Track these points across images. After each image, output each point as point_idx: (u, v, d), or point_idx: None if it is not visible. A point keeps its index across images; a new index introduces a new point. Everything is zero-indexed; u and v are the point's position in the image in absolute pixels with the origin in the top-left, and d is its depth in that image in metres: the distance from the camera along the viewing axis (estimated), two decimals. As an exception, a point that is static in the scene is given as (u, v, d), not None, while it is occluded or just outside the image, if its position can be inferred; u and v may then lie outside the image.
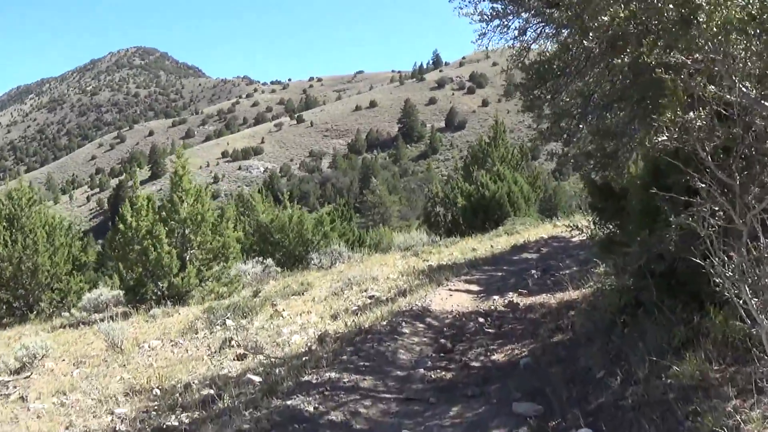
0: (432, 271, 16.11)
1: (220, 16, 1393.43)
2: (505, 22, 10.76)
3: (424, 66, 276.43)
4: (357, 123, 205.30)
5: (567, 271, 14.16)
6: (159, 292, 19.84)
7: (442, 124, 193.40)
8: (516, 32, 10.87)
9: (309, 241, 26.62)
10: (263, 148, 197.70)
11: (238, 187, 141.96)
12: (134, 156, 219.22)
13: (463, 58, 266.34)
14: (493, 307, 11.70)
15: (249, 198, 33.57)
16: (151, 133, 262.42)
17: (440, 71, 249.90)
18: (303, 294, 16.83)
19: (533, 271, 14.77)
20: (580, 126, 10.02)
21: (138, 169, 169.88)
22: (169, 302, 19.20)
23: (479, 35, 10.87)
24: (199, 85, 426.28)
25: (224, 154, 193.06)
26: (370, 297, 14.38)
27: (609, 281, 9.84)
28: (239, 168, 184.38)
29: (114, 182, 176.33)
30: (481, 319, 10.80)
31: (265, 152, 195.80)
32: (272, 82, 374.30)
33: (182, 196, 21.06)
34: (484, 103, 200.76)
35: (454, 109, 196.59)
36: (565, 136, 10.42)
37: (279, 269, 24.08)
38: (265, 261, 24.13)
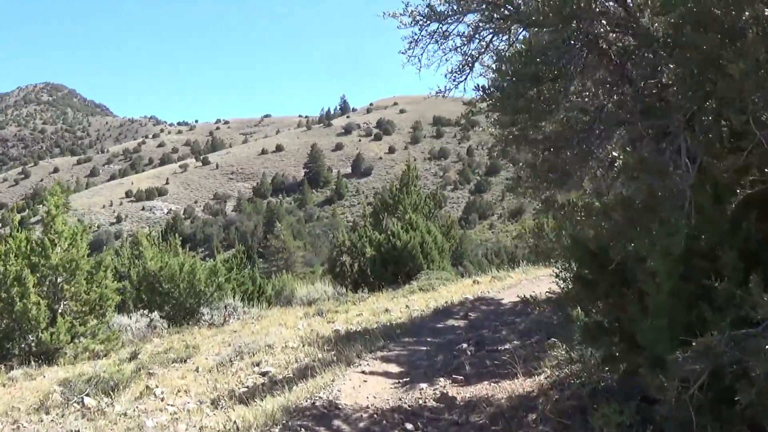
0: (339, 340, 13.27)
1: (129, 55, 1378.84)
2: (444, 28, 8.10)
3: (332, 111, 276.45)
4: (263, 166, 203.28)
5: (507, 346, 11.44)
6: (27, 348, 16.95)
7: (349, 170, 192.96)
8: (459, 40, 8.18)
9: (201, 292, 23.67)
10: (168, 189, 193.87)
11: (142, 227, 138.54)
12: (38, 192, 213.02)
13: (371, 104, 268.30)
14: (421, 402, 8.78)
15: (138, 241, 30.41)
16: (56, 170, 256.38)
17: (347, 117, 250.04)
18: (186, 361, 14.11)
19: (464, 345, 11.91)
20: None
21: (41, 205, 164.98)
22: (36, 361, 16.30)
23: (409, 42, 8.13)
24: (106, 123, 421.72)
25: (128, 194, 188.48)
26: (263, 374, 11.61)
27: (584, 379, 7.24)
28: (143, 208, 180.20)
29: (17, 218, 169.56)
30: (409, 426, 7.86)
31: (170, 193, 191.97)
32: (179, 123, 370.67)
33: (54, 239, 18.09)
34: (391, 150, 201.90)
35: (361, 155, 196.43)
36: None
37: (166, 324, 21.26)
38: (150, 315, 21.22)
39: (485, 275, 24.34)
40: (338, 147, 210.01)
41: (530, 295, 17.37)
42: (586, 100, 6.93)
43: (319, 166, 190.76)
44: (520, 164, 9.29)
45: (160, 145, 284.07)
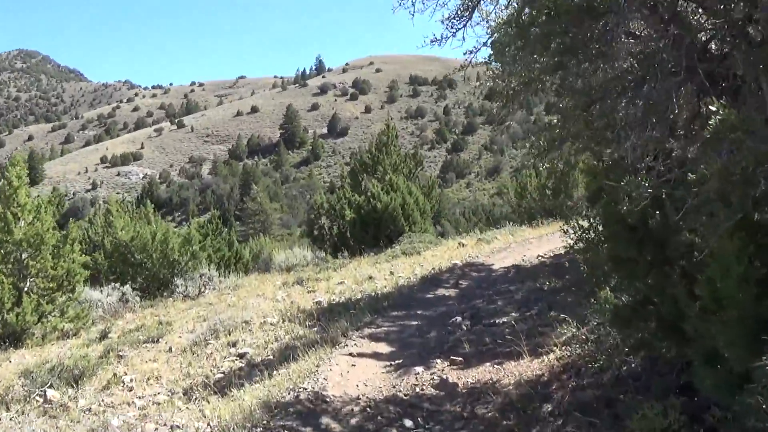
0: (322, 314, 12.28)
1: (103, 19, 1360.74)
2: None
3: (307, 72, 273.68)
4: (238, 129, 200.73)
5: (505, 319, 10.48)
6: (-8, 331, 15.68)
7: (325, 131, 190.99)
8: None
9: (176, 262, 22.59)
10: (143, 153, 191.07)
11: (117, 193, 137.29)
12: (12, 161, 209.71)
13: (347, 64, 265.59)
14: (419, 390, 7.77)
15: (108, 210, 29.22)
16: (30, 138, 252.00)
17: (323, 77, 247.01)
18: (158, 341, 13.10)
19: (459, 319, 10.93)
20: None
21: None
22: (1, 344, 15.30)
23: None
24: (80, 89, 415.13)
25: (103, 160, 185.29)
26: (241, 356, 10.64)
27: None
28: (118, 174, 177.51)
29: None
30: (408, 423, 6.86)
31: (145, 158, 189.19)
32: (153, 87, 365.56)
33: (17, 213, 16.84)
34: (367, 110, 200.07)
35: (337, 115, 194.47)
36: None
37: (139, 297, 20.21)
38: (122, 288, 20.12)
39: (470, 237, 23.37)
40: (314, 107, 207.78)
41: (523, 259, 16.54)
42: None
43: (295, 126, 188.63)
44: (554, 121, 8.13)
45: (135, 110, 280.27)
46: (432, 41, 7.44)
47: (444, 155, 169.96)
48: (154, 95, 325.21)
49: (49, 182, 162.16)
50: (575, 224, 9.54)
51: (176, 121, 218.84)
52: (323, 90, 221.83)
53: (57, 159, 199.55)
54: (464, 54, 7.95)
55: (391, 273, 17.02)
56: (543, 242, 19.07)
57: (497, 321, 10.50)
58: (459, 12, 7.22)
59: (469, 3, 7.16)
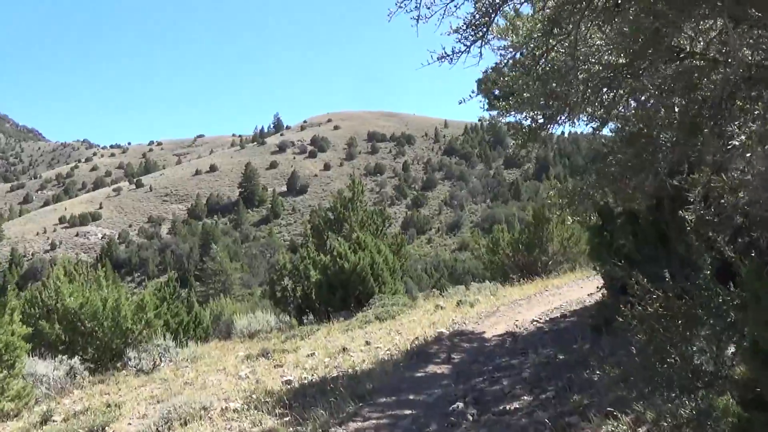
0: (294, 399, 10.29)
1: (61, 79, 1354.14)
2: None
3: (266, 129, 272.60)
4: (197, 187, 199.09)
5: (517, 404, 8.59)
6: None
7: (284, 189, 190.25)
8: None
9: (129, 330, 20.51)
10: (101, 213, 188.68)
11: (76, 254, 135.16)
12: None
13: (305, 121, 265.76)
14: None
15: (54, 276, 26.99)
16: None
17: (281, 135, 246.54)
18: (104, 430, 10.99)
19: (460, 405, 8.94)
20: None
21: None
22: None
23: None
24: (39, 148, 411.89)
25: (62, 220, 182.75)
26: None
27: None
28: (77, 234, 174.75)
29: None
30: None
31: (104, 218, 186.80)
32: (112, 146, 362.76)
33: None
34: (326, 167, 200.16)
35: (296, 172, 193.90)
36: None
37: (89, 371, 18.11)
38: (70, 361, 18.00)
39: (447, 299, 21.63)
40: (273, 165, 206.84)
41: (517, 325, 14.72)
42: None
43: (254, 185, 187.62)
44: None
45: (93, 169, 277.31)
46: (440, 57, 5.68)
47: (404, 211, 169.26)
48: (112, 154, 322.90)
49: (8, 243, 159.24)
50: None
51: (135, 180, 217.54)
52: (282, 148, 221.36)
53: (16, 219, 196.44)
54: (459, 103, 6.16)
55: (367, 343, 15.09)
56: (533, 304, 17.34)
57: (508, 407, 8.60)
58: (475, 20, 5.46)
59: (490, 8, 5.40)
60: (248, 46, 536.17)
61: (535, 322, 14.52)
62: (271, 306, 28.56)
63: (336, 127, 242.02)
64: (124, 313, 20.74)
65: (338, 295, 24.31)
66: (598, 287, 16.97)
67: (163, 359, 18.48)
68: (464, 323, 15.58)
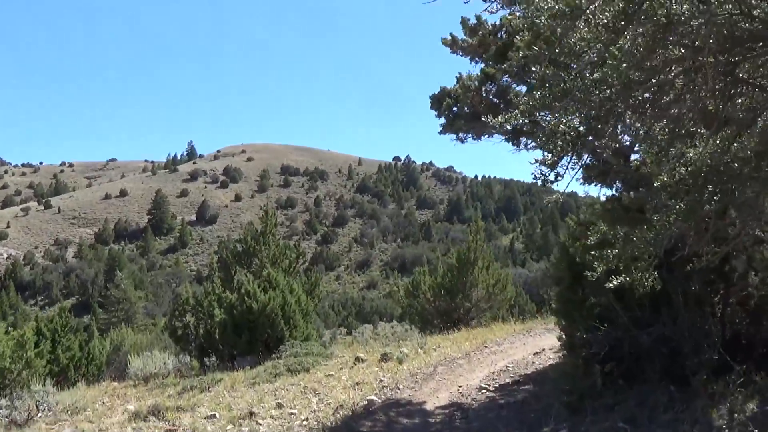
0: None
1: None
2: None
3: (179, 157, 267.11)
4: (106, 212, 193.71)
5: None
6: None
7: (194, 218, 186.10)
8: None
9: (6, 371, 17.59)
10: (8, 233, 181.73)
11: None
12: None
13: (219, 151, 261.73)
14: None
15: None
16: None
17: (194, 163, 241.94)
18: None
19: None
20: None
21: None
22: None
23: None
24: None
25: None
26: None
27: None
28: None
29: None
30: None
31: (10, 237, 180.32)
32: (23, 165, 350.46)
33: None
34: (237, 198, 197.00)
35: (207, 202, 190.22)
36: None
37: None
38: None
39: (367, 350, 18.96)
40: (183, 193, 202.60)
41: (461, 392, 12.16)
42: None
43: (163, 212, 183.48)
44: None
45: (3, 187, 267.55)
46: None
47: (314, 247, 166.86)
48: (23, 173, 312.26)
49: None
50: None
51: (44, 201, 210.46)
52: (194, 176, 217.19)
53: None
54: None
55: (279, 406, 12.33)
56: (474, 364, 14.77)
57: None
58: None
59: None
60: (163, 72, 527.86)
61: (484, 391, 11.97)
62: (171, 344, 25.96)
63: (249, 159, 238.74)
64: (1, 350, 17.89)
65: (245, 337, 21.50)
66: (544, 348, 14.49)
67: (40, 408, 15.41)
68: (397, 387, 12.86)
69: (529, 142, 11.81)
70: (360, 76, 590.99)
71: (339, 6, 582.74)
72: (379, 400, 11.83)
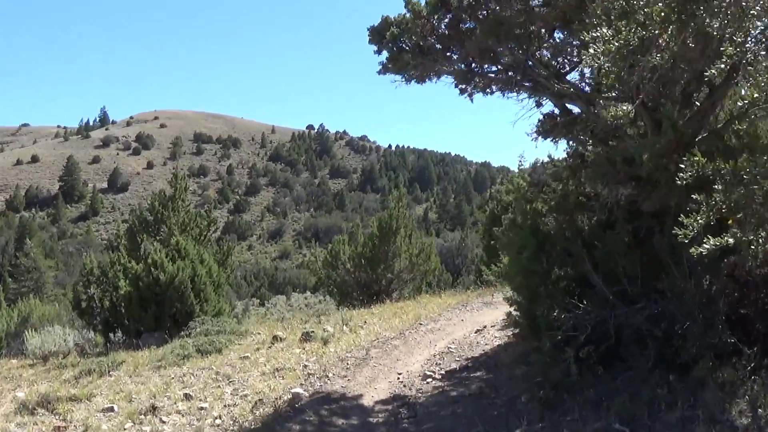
0: None
1: None
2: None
3: (91, 123, 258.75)
4: (17, 178, 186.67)
5: None
6: None
7: (105, 185, 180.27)
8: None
9: None
10: None
11: None
12: None
13: (131, 117, 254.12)
14: None
15: None
16: None
17: (107, 129, 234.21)
18: None
19: None
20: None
21: None
22: None
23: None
24: None
25: None
26: None
27: None
28: None
29: None
30: None
31: None
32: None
33: None
34: (149, 166, 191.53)
35: (119, 169, 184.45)
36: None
37: None
38: None
39: (286, 327, 16.88)
40: (95, 160, 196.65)
41: (402, 381, 10.23)
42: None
43: (75, 179, 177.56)
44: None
45: None
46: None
47: (226, 216, 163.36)
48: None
49: None
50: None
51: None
52: (106, 143, 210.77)
53: None
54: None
55: (188, 397, 10.22)
56: (411, 345, 12.77)
57: None
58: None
59: None
60: (76, 35, 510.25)
61: (429, 379, 10.04)
62: (75, 318, 24.42)
63: (162, 125, 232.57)
64: None
65: (151, 312, 19.38)
66: (486, 325, 12.70)
67: None
68: (326, 376, 10.71)
69: (479, 81, 9.90)
70: (275, 42, 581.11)
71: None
72: (307, 394, 9.73)
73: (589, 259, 8.32)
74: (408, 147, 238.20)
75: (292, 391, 9.74)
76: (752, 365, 6.73)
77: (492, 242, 25.51)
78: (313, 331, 14.46)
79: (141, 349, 16.20)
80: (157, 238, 24.65)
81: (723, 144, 7.34)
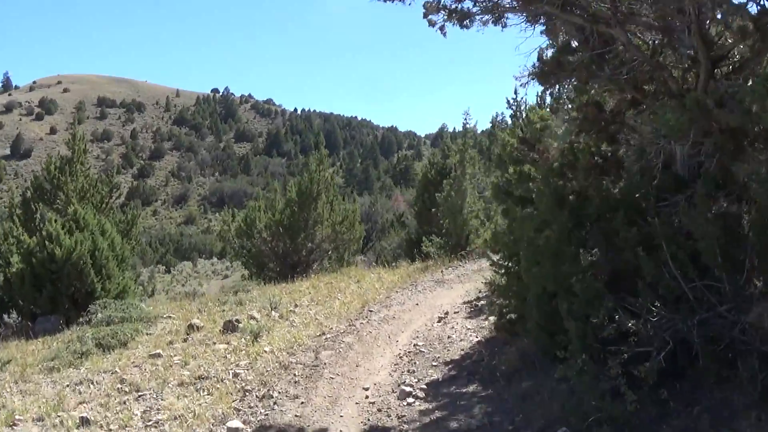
0: None
1: None
2: None
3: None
4: None
5: None
6: None
7: (8, 152, 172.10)
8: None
9: None
10: None
11: None
12: None
13: (34, 82, 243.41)
14: None
15: None
16: None
17: (9, 95, 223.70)
18: None
19: None
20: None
21: None
22: None
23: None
24: None
25: None
26: None
27: None
28: None
29: None
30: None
31: None
32: None
33: None
34: (53, 131, 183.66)
35: (21, 135, 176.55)
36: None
37: None
38: None
39: (203, 312, 13.98)
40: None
41: (369, 398, 7.53)
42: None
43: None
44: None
45: None
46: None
47: (130, 181, 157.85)
48: None
49: None
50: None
51: None
52: (9, 108, 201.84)
53: None
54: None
55: (84, 423, 7.33)
56: (366, 341, 9.89)
57: None
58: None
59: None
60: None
61: (410, 398, 7.25)
62: None
63: (66, 90, 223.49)
64: None
65: (46, 292, 16.27)
66: (447, 312, 10.09)
67: None
68: (269, 394, 7.65)
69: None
70: (180, 3, 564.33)
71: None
72: (249, 429, 6.82)
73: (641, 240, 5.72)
74: (314, 111, 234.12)
75: (228, 424, 6.76)
76: None
77: (431, 209, 23.04)
78: (237, 320, 11.55)
79: (34, 338, 13.37)
80: (54, 206, 21.36)
81: None
